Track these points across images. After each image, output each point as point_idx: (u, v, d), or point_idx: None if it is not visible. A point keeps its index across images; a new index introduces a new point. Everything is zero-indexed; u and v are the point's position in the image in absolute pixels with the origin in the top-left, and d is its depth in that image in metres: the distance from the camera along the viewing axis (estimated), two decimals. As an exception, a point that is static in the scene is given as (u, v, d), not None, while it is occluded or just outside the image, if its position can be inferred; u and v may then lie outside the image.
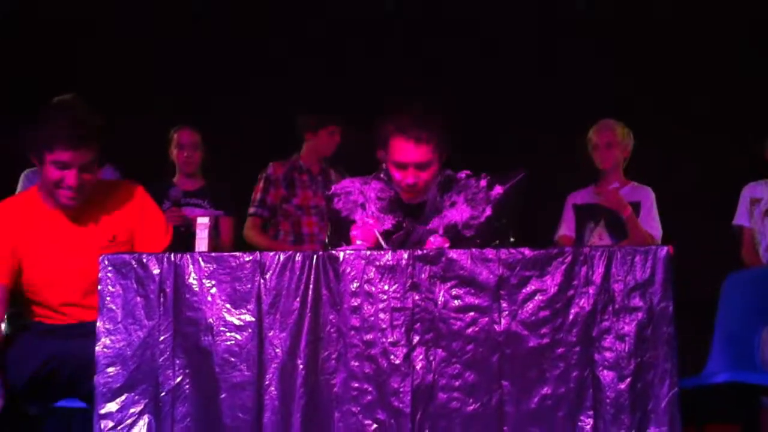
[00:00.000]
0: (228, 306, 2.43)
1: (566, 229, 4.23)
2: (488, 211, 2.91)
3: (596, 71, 5.00)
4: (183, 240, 3.10)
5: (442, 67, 5.13)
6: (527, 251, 2.41)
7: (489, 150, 4.61)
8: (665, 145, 4.83)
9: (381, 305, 2.41)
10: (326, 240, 3.06)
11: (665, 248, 2.38)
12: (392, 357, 2.38)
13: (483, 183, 2.96)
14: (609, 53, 5.02)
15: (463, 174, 3.01)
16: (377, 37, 5.19)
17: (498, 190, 2.94)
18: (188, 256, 2.47)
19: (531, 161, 4.28)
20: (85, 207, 2.84)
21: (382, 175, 3.00)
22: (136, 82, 5.19)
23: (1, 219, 2.84)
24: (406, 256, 2.43)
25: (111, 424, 2.40)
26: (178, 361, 2.41)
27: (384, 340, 2.39)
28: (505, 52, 5.11)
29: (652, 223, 4.10)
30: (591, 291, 2.38)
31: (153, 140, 4.66)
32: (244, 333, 2.42)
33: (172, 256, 2.47)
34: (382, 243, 2.78)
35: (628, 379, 2.32)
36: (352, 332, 2.40)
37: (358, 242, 2.77)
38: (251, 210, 4.56)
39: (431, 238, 2.83)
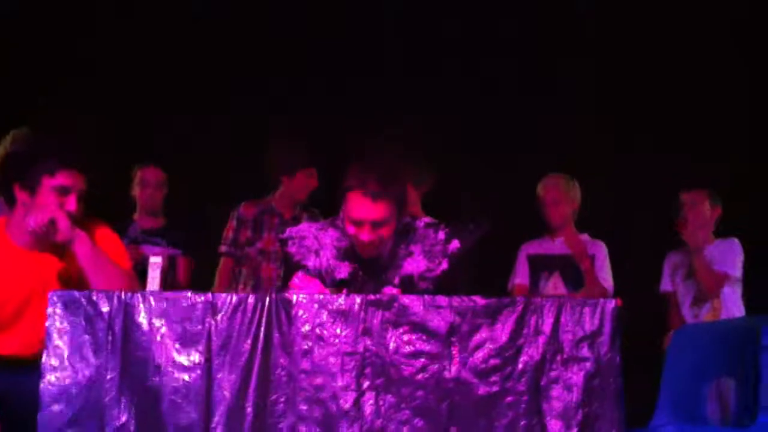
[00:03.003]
0: (177, 346, 2.41)
1: (521, 278, 4.28)
2: (444, 265, 2.90)
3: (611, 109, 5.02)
4: (140, 279, 3.08)
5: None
6: (479, 299, 2.43)
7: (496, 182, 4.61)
8: (620, 195, 4.89)
9: (332, 349, 2.41)
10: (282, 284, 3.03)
11: (613, 301, 2.42)
12: (342, 401, 2.37)
13: (441, 236, 2.93)
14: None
15: (421, 222, 2.99)
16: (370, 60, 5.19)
17: (455, 244, 2.93)
18: (139, 295, 2.45)
19: (485, 207, 4.33)
20: (49, 245, 2.80)
21: (338, 223, 2.94)
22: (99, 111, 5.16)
23: None
24: (359, 300, 2.44)
25: (55, 462, 2.36)
26: (124, 401, 2.38)
27: (334, 384, 2.38)
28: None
29: (604, 275, 4.18)
30: (540, 341, 2.40)
31: (114, 175, 4.63)
32: (193, 374, 2.39)
33: (122, 294, 2.45)
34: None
35: (575, 430, 2.34)
36: (302, 375, 2.39)
37: (296, 280, 2.73)
38: (223, 248, 4.48)
39: (385, 289, 2.81)
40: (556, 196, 4.26)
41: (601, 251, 4.22)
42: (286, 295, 2.46)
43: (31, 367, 2.65)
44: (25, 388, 2.62)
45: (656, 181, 4.74)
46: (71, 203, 2.75)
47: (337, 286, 2.87)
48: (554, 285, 4.14)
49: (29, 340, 2.77)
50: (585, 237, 4.26)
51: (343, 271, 2.90)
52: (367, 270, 2.90)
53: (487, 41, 5.10)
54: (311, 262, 2.90)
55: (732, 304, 4.22)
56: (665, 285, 4.41)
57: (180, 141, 5.10)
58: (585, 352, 2.38)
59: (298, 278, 2.81)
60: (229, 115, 5.14)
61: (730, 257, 4.24)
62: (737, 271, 4.24)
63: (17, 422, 2.66)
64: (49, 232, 2.73)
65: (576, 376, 2.37)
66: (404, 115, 4.59)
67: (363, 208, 2.81)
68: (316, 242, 2.93)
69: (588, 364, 2.37)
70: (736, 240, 4.29)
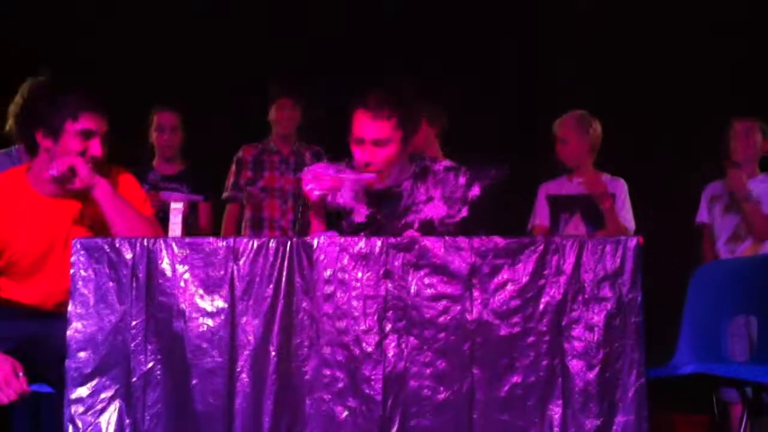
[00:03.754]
0: (201, 291, 2.43)
1: (540, 218, 4.25)
2: (464, 212, 2.90)
3: (570, 64, 5.01)
4: (161, 225, 3.09)
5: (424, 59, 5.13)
6: (499, 240, 2.42)
7: (460, 137, 4.62)
8: (638, 137, 4.87)
9: (354, 293, 2.42)
10: (294, 222, 3.04)
11: (635, 239, 2.41)
12: (364, 344, 2.39)
13: (462, 180, 2.92)
14: (586, 49, 5.05)
15: (440, 165, 2.97)
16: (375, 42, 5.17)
17: (476, 190, 2.92)
18: (161, 241, 2.46)
19: (501, 149, 4.31)
20: (71, 193, 2.80)
21: (354, 163, 2.94)
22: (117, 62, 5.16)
23: None
24: (379, 243, 2.44)
25: (81, 409, 2.39)
26: (149, 347, 2.41)
27: (356, 327, 2.40)
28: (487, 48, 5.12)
29: (625, 214, 4.15)
30: (562, 280, 2.40)
31: (133, 122, 4.64)
32: (217, 319, 2.42)
33: (145, 240, 2.46)
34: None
35: (597, 369, 2.34)
36: (325, 319, 2.41)
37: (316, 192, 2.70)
38: (225, 195, 4.57)
39: (406, 233, 2.81)
40: (566, 135, 4.21)
41: (621, 189, 4.18)
42: (307, 239, 2.47)
43: (55, 315, 2.68)
44: (48, 335, 2.65)
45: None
46: (96, 147, 2.75)
47: (356, 229, 2.87)
48: (575, 226, 4.12)
49: (53, 289, 2.80)
50: (605, 176, 4.22)
51: (361, 214, 2.90)
52: (386, 213, 2.90)
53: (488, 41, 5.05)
54: (328, 199, 2.90)
55: None
56: (701, 216, 4.35)
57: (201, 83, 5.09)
58: (606, 291, 2.38)
59: (307, 179, 2.80)
60: (229, 114, 5.13)
61: None
62: None
63: (41, 369, 2.69)
64: (69, 179, 2.74)
65: (597, 315, 2.37)
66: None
67: (364, 126, 2.81)
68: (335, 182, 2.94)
69: (609, 304, 2.37)
70: None
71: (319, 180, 2.81)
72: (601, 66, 5.04)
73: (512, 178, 3.11)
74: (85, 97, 2.73)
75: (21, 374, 2.54)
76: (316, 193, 2.81)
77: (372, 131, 2.79)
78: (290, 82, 4.68)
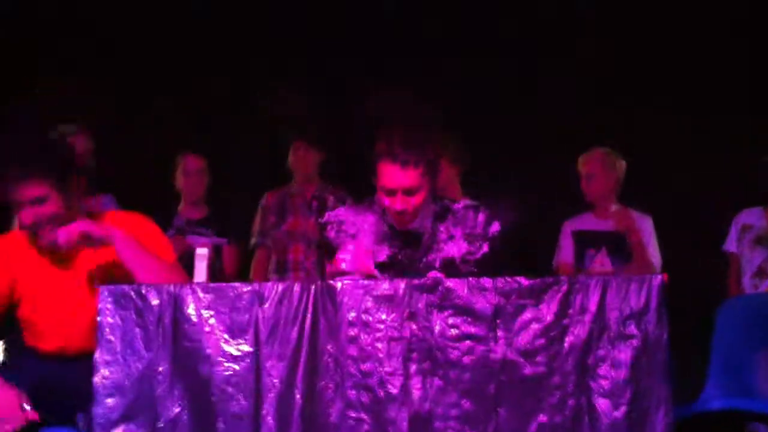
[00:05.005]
0: (226, 336, 2.45)
1: (565, 256, 4.25)
2: (485, 248, 2.91)
3: (587, 86, 5.01)
4: (187, 269, 3.11)
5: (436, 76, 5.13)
6: (523, 280, 2.42)
7: (481, 172, 4.64)
8: (662, 167, 4.85)
9: (378, 334, 2.42)
10: (315, 267, 3.03)
11: (659, 276, 2.40)
12: (389, 386, 2.39)
13: (481, 218, 2.93)
14: (607, 78, 5.05)
15: (460, 205, 2.99)
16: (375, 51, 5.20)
17: (496, 227, 2.93)
18: (187, 287, 2.49)
19: (526, 187, 4.31)
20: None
21: (375, 206, 2.96)
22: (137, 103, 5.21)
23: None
24: (403, 285, 2.45)
25: (110, 454, 2.41)
26: (176, 392, 2.42)
27: (381, 369, 2.40)
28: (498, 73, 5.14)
29: (652, 251, 4.14)
30: (587, 319, 2.39)
31: (155, 164, 4.69)
32: (242, 363, 2.43)
33: (171, 287, 2.49)
34: (375, 273, 2.77)
35: (624, 407, 2.33)
36: (350, 362, 2.41)
37: (343, 266, 2.73)
38: (252, 241, 4.60)
39: (429, 274, 2.81)
40: (592, 170, 4.22)
41: (647, 226, 4.18)
42: (331, 282, 2.48)
43: (76, 360, 2.71)
44: (66, 379, 2.67)
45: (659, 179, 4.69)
46: (26, 216, 2.66)
47: (378, 269, 2.88)
48: (601, 261, 4.10)
49: (71, 335, 2.82)
50: (633, 212, 4.21)
51: (383, 254, 2.91)
52: (407, 252, 2.91)
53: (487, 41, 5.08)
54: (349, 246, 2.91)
55: None
56: (730, 245, 4.31)
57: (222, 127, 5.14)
58: (632, 329, 2.37)
59: (344, 256, 2.81)
60: (236, 116, 5.18)
61: None
62: None
63: (60, 413, 2.71)
64: (84, 243, 2.73)
65: (623, 353, 2.36)
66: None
67: (393, 176, 2.81)
68: (354, 227, 2.95)
69: (635, 342, 2.36)
70: None
71: (354, 261, 2.81)
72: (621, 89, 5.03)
73: (535, 215, 3.12)
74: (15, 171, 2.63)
75: (28, 407, 2.57)
76: (344, 266, 2.82)
77: (402, 181, 2.81)
78: (303, 123, 4.71)
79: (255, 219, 4.63)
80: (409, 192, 2.83)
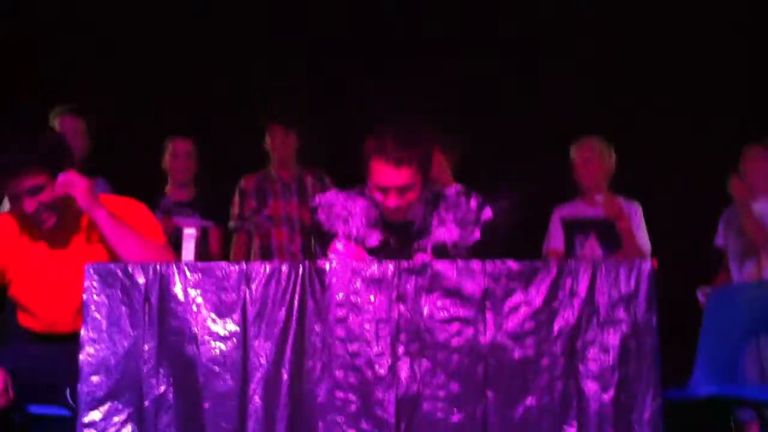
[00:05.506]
0: (213, 316, 2.43)
1: (555, 242, 4.26)
2: (477, 234, 2.89)
3: (585, 85, 5.02)
4: (174, 250, 3.09)
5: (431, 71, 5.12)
6: (513, 263, 2.41)
7: (473, 160, 4.62)
8: (653, 158, 4.86)
9: (367, 316, 2.41)
10: (300, 250, 3.01)
11: (649, 262, 2.40)
12: (377, 367, 2.38)
13: (473, 204, 2.92)
14: (598, 68, 5.04)
15: (452, 190, 2.97)
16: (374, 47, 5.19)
17: (488, 213, 2.92)
18: (174, 266, 2.47)
19: (516, 173, 4.31)
20: (76, 224, 2.81)
21: (366, 191, 2.93)
22: (130, 91, 5.18)
23: None
24: (392, 267, 2.43)
25: (94, 432, 2.39)
26: (162, 371, 2.41)
27: (369, 350, 2.39)
28: (492, 62, 5.13)
29: (641, 237, 4.15)
30: (576, 303, 2.39)
31: (147, 149, 4.66)
32: (229, 342, 2.41)
33: (158, 265, 2.47)
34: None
35: (612, 391, 2.33)
36: (338, 342, 2.40)
37: (339, 246, 2.72)
38: (230, 224, 4.57)
39: (417, 257, 2.81)
40: (587, 155, 4.24)
41: (636, 212, 4.19)
42: (319, 263, 2.46)
43: (66, 339, 2.70)
44: (57, 358, 2.66)
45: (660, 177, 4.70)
46: (28, 205, 2.70)
47: (369, 254, 2.86)
48: (590, 248, 4.12)
49: (61, 315, 2.82)
50: (621, 199, 4.22)
51: (374, 239, 2.90)
52: (398, 238, 2.90)
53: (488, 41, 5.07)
54: (340, 230, 2.90)
55: None
56: (718, 240, 4.36)
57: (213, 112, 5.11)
58: (621, 313, 2.37)
59: (341, 244, 2.80)
60: (229, 115, 5.16)
61: None
62: None
63: (50, 392, 2.71)
64: (66, 210, 2.74)
65: (612, 337, 2.35)
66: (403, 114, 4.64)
67: (386, 175, 2.79)
68: (345, 210, 2.93)
69: (624, 326, 2.36)
70: None
71: (340, 255, 2.80)
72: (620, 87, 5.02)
73: (525, 202, 3.11)
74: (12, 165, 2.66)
75: (9, 389, 2.58)
76: (339, 246, 2.81)
77: (395, 180, 2.79)
78: (280, 107, 4.68)
79: (232, 202, 4.59)
80: (402, 190, 2.82)
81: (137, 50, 5.16)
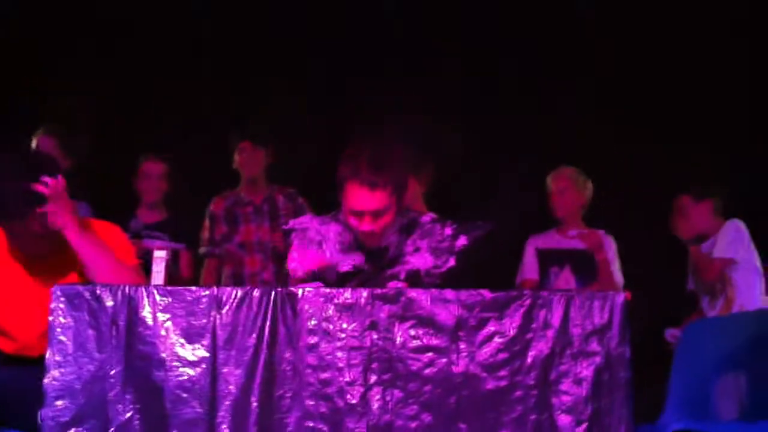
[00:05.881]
0: (182, 341, 2.39)
1: (529, 272, 4.25)
2: (451, 262, 2.88)
3: (612, 109, 5.01)
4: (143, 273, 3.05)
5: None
6: (486, 293, 2.40)
7: (481, 172, 4.60)
8: (624, 192, 4.87)
9: (338, 343, 2.38)
10: (273, 277, 3.00)
11: (622, 294, 2.40)
12: (348, 396, 2.34)
13: (448, 231, 2.91)
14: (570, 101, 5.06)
15: (427, 218, 2.96)
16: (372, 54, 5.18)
17: (462, 241, 2.90)
18: (143, 289, 2.43)
19: (525, 186, 4.28)
20: (51, 247, 2.77)
21: (340, 216, 2.91)
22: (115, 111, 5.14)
23: None
24: (365, 294, 2.41)
25: (57, 459, 2.33)
26: (128, 396, 2.36)
27: (341, 379, 2.35)
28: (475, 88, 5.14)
29: (615, 270, 4.15)
30: (549, 334, 2.37)
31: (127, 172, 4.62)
32: (198, 368, 2.37)
33: (127, 288, 2.42)
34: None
35: (585, 424, 2.31)
36: (309, 370, 2.36)
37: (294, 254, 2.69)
38: (201, 250, 4.49)
39: (391, 284, 2.78)
40: (563, 186, 4.25)
41: (610, 246, 4.20)
42: (292, 288, 2.43)
43: (36, 363, 2.64)
44: (25, 381, 2.61)
45: (660, 176, 4.72)
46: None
47: (341, 279, 2.84)
48: (565, 279, 4.10)
49: (31, 339, 2.77)
50: (599, 232, 4.22)
51: (347, 264, 2.87)
52: (372, 264, 2.88)
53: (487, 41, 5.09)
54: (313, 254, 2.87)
55: (747, 292, 4.15)
56: (689, 284, 4.39)
57: (181, 135, 5.09)
58: (594, 345, 2.36)
59: (293, 258, 2.78)
60: (228, 115, 5.13)
61: (726, 241, 4.18)
62: (735, 254, 4.15)
63: (14, 417, 2.64)
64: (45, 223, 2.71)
65: (586, 370, 2.34)
66: (403, 114, 4.61)
67: (361, 199, 2.77)
68: (319, 235, 2.91)
69: (598, 358, 2.35)
70: (735, 221, 4.22)
71: (303, 260, 2.79)
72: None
73: (499, 232, 3.09)
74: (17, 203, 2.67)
75: None
76: (300, 274, 2.79)
77: (371, 204, 2.77)
78: (250, 125, 4.64)
79: (203, 226, 4.52)
80: (377, 214, 2.80)
81: (137, 50, 5.12)
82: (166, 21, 5.11)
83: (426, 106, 4.74)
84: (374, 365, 2.36)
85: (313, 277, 2.85)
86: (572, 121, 4.78)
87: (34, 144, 4.25)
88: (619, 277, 4.15)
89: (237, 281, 4.38)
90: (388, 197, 2.79)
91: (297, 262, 2.83)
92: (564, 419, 2.31)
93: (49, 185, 2.66)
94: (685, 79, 4.93)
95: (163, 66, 5.13)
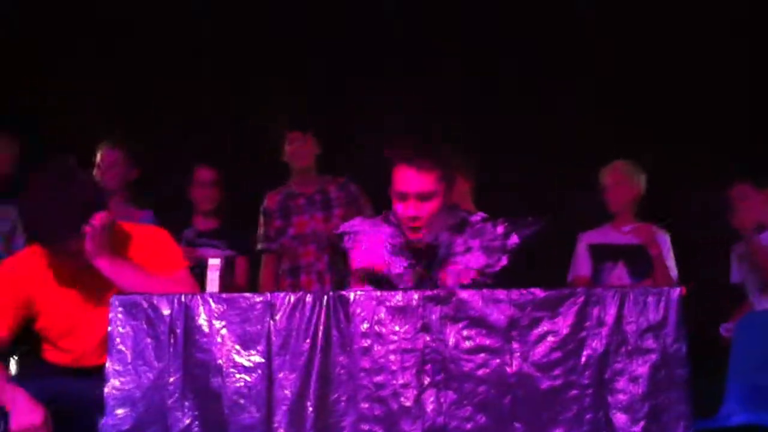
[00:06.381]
0: (238, 347, 2.42)
1: (581, 269, 4.20)
2: (504, 261, 2.87)
3: (612, 109, 4.98)
4: (198, 281, 3.08)
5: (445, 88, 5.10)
6: (538, 292, 2.39)
7: (497, 183, 4.57)
8: (679, 185, 4.81)
9: (391, 346, 2.39)
10: (329, 272, 3.01)
11: (677, 290, 2.36)
12: (402, 399, 2.36)
13: (500, 230, 2.90)
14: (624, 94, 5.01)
15: (478, 217, 2.96)
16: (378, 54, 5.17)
17: (514, 239, 2.89)
18: (198, 297, 2.46)
19: (541, 199, 4.26)
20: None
21: (391, 218, 2.93)
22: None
23: (17, 269, 2.85)
24: (416, 296, 2.41)
25: (119, 466, 2.38)
26: (187, 403, 2.40)
27: (394, 381, 2.37)
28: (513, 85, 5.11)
29: (670, 266, 4.09)
30: (603, 332, 2.36)
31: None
32: (254, 374, 2.40)
33: (183, 297, 2.46)
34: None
35: (642, 422, 2.29)
36: (362, 374, 2.38)
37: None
38: (258, 247, 4.50)
39: (450, 267, 2.78)
40: (618, 179, 4.20)
41: (665, 241, 4.14)
42: (343, 292, 2.45)
43: (91, 373, 2.69)
44: (82, 392, 2.66)
45: (660, 176, 4.66)
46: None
47: (393, 280, 2.85)
48: (619, 275, 4.06)
49: (86, 349, 2.84)
50: (652, 226, 4.17)
51: (399, 265, 2.88)
52: (424, 266, 2.88)
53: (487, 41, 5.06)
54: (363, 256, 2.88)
55: None
56: (734, 277, 4.29)
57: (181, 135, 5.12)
58: (650, 342, 2.33)
59: (358, 261, 2.79)
60: (228, 115, 5.16)
61: None
62: None
63: (73, 427, 2.69)
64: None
65: (641, 367, 2.32)
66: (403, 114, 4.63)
67: (408, 180, 2.79)
68: (370, 237, 2.92)
69: (653, 356, 2.32)
70: None
71: (367, 254, 2.80)
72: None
73: (551, 229, 3.07)
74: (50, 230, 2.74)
75: (49, 425, 2.57)
76: (365, 272, 2.81)
77: (418, 185, 2.79)
78: (297, 114, 4.64)
79: (258, 223, 4.54)
80: (423, 197, 2.81)
81: (137, 50, 5.14)
82: (166, 21, 5.11)
83: (426, 106, 4.73)
84: (427, 367, 2.37)
85: (375, 278, 2.87)
86: (572, 121, 4.73)
87: (98, 157, 4.30)
88: (674, 271, 4.09)
89: (294, 274, 4.39)
90: (435, 182, 2.80)
91: (361, 262, 2.83)
92: (620, 418, 2.29)
93: (92, 225, 2.71)
94: (685, 79, 4.86)
95: (163, 66, 5.12)
